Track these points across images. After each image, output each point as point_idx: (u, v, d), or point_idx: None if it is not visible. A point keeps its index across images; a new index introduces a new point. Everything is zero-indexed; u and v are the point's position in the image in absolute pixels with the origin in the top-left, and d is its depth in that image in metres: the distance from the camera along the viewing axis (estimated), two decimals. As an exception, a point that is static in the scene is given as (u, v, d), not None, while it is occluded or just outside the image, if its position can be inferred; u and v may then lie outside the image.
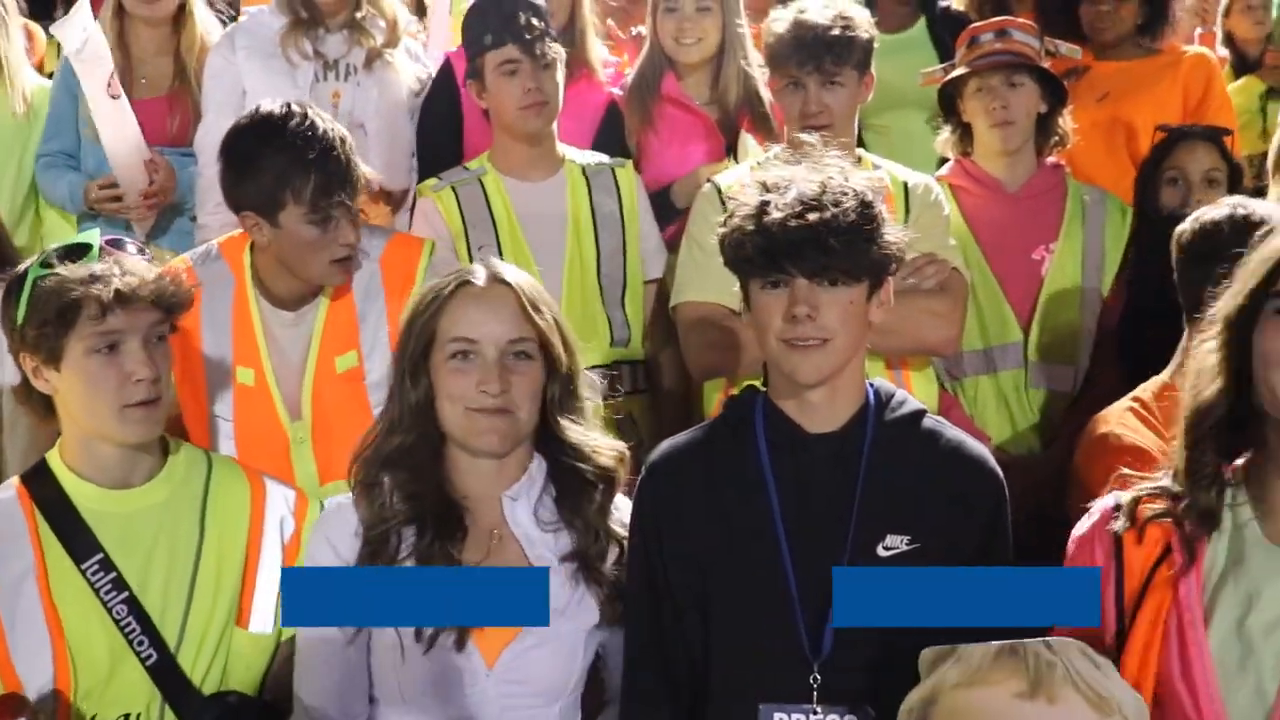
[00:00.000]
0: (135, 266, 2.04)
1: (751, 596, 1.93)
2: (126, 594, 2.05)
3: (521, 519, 2.05)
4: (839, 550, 1.90)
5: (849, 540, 1.90)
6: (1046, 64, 3.26)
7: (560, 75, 3.01)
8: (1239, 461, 1.69)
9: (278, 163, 2.50)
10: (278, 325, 2.67)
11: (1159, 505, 1.70)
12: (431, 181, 3.10)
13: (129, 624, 2.04)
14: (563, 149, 3.11)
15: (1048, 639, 1.48)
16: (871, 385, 2.00)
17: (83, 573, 2.04)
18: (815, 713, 1.89)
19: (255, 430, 2.68)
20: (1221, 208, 2.53)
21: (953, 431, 2.00)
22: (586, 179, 3.08)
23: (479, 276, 2.03)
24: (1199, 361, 1.70)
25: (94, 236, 2.08)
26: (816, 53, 2.83)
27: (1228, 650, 1.63)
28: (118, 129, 3.35)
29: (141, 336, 2.02)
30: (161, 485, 2.13)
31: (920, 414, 1.99)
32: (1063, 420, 3.04)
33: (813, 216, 1.84)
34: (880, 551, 1.90)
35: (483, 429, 1.98)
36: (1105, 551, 1.73)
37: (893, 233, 1.92)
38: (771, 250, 1.86)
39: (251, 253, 2.66)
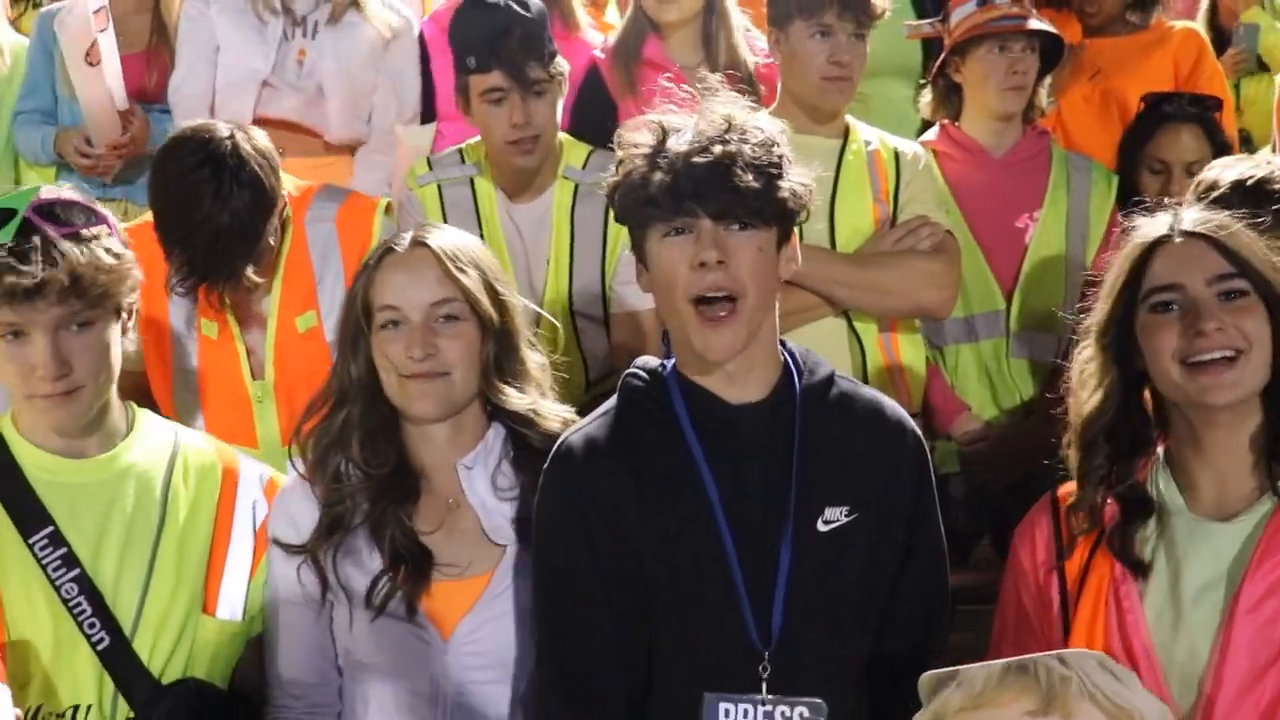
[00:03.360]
0: (57, 250, 1.82)
1: (692, 583, 1.80)
2: (77, 571, 1.88)
3: (479, 488, 2.02)
4: (780, 528, 1.79)
5: (790, 516, 1.79)
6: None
7: (558, 96, 2.82)
8: (1161, 446, 1.79)
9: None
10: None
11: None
12: (419, 170, 2.96)
13: (79, 605, 1.88)
14: (569, 161, 2.91)
15: (1061, 653, 1.42)
16: (786, 348, 1.87)
17: (29, 547, 1.88)
18: (764, 703, 1.77)
19: (219, 386, 2.67)
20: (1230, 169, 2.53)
21: (868, 391, 1.92)
22: (575, 194, 2.89)
23: (402, 243, 2.01)
24: (1078, 372, 1.78)
25: (22, 201, 1.88)
26: (854, 3, 2.77)
27: (1162, 617, 1.73)
28: (95, 88, 3.34)
29: (50, 329, 1.84)
30: (120, 456, 1.99)
31: (831, 376, 1.88)
32: (1043, 390, 2.99)
33: (718, 149, 1.70)
34: (820, 526, 1.81)
35: (415, 395, 1.95)
36: (1046, 537, 1.83)
37: (800, 178, 1.79)
38: (674, 188, 1.71)
39: None
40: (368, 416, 1.99)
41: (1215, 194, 2.47)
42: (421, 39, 3.51)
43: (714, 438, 1.81)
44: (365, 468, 1.97)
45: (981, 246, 3.05)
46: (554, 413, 2.04)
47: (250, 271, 2.52)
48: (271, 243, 2.59)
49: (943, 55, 3.16)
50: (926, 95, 3.23)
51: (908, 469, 1.88)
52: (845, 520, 1.82)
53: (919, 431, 1.94)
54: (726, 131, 1.74)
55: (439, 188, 2.89)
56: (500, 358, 2.00)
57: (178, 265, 2.49)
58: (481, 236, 2.77)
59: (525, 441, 2.02)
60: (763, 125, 1.79)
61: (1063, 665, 1.38)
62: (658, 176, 1.73)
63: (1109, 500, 1.79)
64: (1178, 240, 1.73)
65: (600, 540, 1.82)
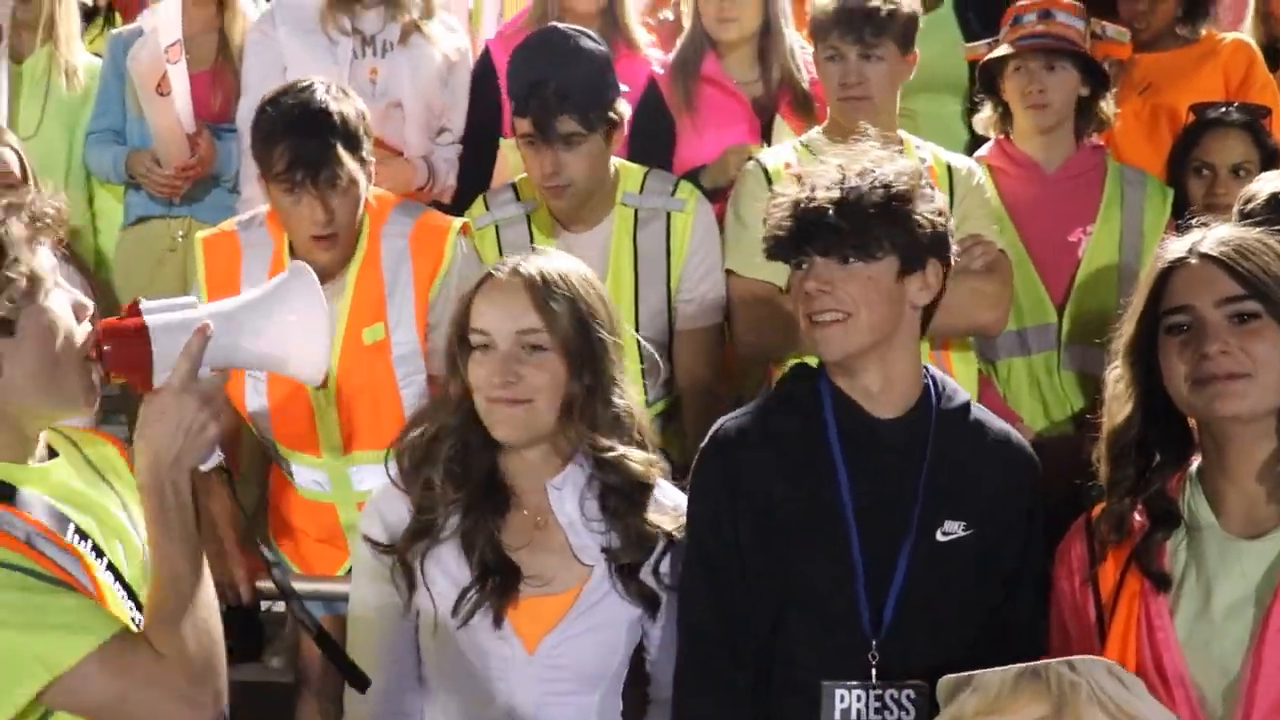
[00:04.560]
0: None
1: (819, 572, 1.98)
2: (106, 559, 1.79)
3: (567, 508, 2.05)
4: (903, 532, 1.97)
5: (913, 523, 1.96)
6: (1090, 46, 3.24)
7: (601, 147, 2.77)
8: (1194, 465, 1.82)
9: (261, 132, 2.60)
10: None
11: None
12: (477, 212, 2.96)
13: (120, 590, 1.79)
14: (626, 187, 2.90)
15: (1071, 659, 1.47)
16: (929, 374, 2.05)
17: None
18: (874, 688, 1.94)
19: (285, 392, 2.73)
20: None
21: (998, 423, 2.09)
22: (636, 221, 2.89)
23: (504, 269, 2.04)
24: (1110, 388, 1.86)
25: None
26: (857, 24, 2.84)
27: (1194, 635, 1.75)
28: (166, 116, 3.45)
29: None
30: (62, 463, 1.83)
31: (968, 404, 2.07)
32: (1095, 403, 3.02)
33: (822, 196, 1.93)
34: (939, 536, 1.97)
35: (497, 419, 1.99)
36: (1080, 557, 1.89)
37: (926, 217, 1.95)
38: (791, 232, 1.96)
39: None
40: (463, 433, 2.03)
41: (1251, 206, 2.49)
42: (489, 56, 3.57)
43: (854, 444, 1.99)
44: (457, 481, 2.02)
45: (1034, 260, 3.09)
46: (641, 459, 2.06)
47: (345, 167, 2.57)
48: (358, 186, 2.62)
49: (978, 73, 3.24)
50: (986, 110, 3.27)
51: (1025, 498, 2.05)
52: (962, 534, 1.98)
53: (1040, 466, 2.08)
54: (841, 179, 1.95)
55: (496, 230, 2.91)
56: (585, 397, 2.01)
57: (276, 162, 2.55)
58: None
59: (609, 484, 2.04)
60: (883, 170, 1.96)
61: (1073, 671, 1.44)
62: (782, 225, 1.98)
63: (1137, 511, 1.82)
64: (1194, 262, 1.75)
65: (744, 525, 2.00)
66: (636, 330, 2.78)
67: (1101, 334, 2.98)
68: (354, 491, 2.78)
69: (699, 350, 2.90)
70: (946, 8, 4.07)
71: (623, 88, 2.87)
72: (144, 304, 1.67)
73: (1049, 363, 3.10)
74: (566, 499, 2.05)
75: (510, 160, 3.31)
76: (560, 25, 2.80)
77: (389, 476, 2.09)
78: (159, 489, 1.64)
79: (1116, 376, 1.85)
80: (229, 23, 3.73)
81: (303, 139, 2.54)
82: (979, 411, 2.09)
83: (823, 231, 1.93)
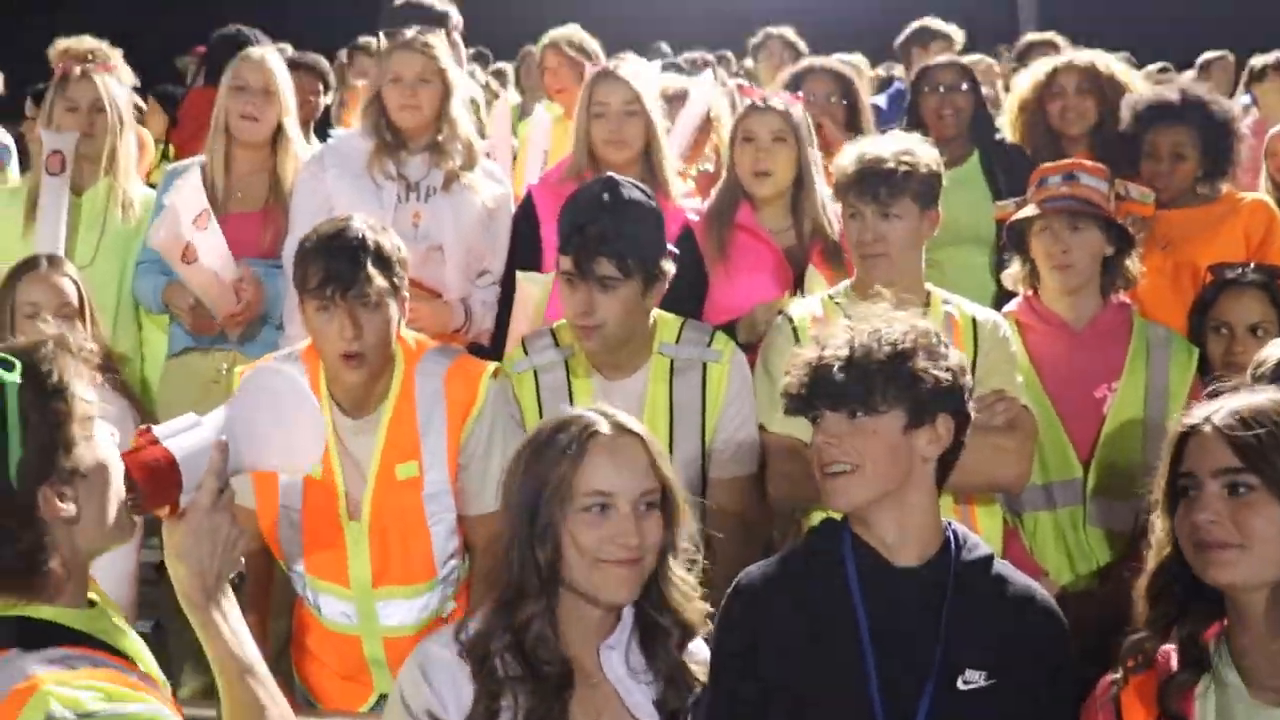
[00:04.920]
0: None
1: (837, 718, 2.00)
2: None
3: (617, 667, 2.05)
4: (923, 681, 1.99)
5: (934, 671, 1.99)
6: (1115, 207, 3.31)
7: (638, 294, 2.79)
8: (1221, 626, 1.85)
9: (299, 257, 2.71)
10: (343, 430, 2.78)
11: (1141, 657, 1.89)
12: (516, 356, 2.99)
13: None
14: (663, 338, 2.92)
15: None
16: (950, 526, 2.11)
17: None
18: None
19: (318, 523, 2.78)
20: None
21: (1022, 578, 2.12)
22: (672, 370, 2.91)
23: (604, 426, 2.02)
24: (1153, 533, 1.90)
25: None
26: (873, 183, 2.93)
27: None
28: (201, 277, 3.57)
29: None
30: None
31: (991, 558, 2.10)
32: (1121, 559, 3.03)
33: (830, 355, 2.05)
34: (960, 684, 1.99)
35: (614, 581, 1.97)
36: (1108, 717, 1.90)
37: (933, 372, 2.03)
38: (803, 390, 2.08)
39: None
40: (549, 612, 1.99)
41: (1261, 371, 2.50)
42: (531, 200, 3.70)
43: (874, 592, 2.04)
44: (535, 665, 1.97)
45: (1061, 415, 3.11)
46: (699, 606, 2.08)
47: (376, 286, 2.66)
48: (387, 307, 2.70)
49: (1006, 231, 3.31)
50: (1014, 267, 3.33)
51: (1050, 653, 2.07)
52: (984, 684, 2.00)
53: (1065, 623, 2.10)
54: (850, 340, 2.06)
55: (535, 375, 2.93)
56: (674, 546, 2.06)
57: (311, 279, 2.65)
58: None
59: (660, 625, 2.05)
60: (890, 331, 2.06)
61: None
62: (795, 381, 2.10)
63: (1166, 650, 1.85)
64: (1206, 430, 1.81)
65: (765, 672, 2.04)
66: None
67: (1126, 490, 3.04)
68: (380, 625, 2.82)
69: (733, 499, 2.90)
70: (973, 163, 4.22)
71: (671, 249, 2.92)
72: (157, 432, 1.73)
73: (1074, 517, 3.11)
74: (615, 658, 2.05)
75: (527, 291, 3.42)
76: (618, 176, 2.89)
77: (453, 647, 2.02)
78: (206, 607, 1.73)
79: (1157, 527, 1.90)
80: (281, 164, 3.87)
81: (336, 256, 2.65)
82: (1002, 566, 2.12)
83: (830, 388, 2.04)
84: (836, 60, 4.88)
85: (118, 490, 1.68)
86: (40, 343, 1.64)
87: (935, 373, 2.03)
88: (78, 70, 3.99)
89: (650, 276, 2.80)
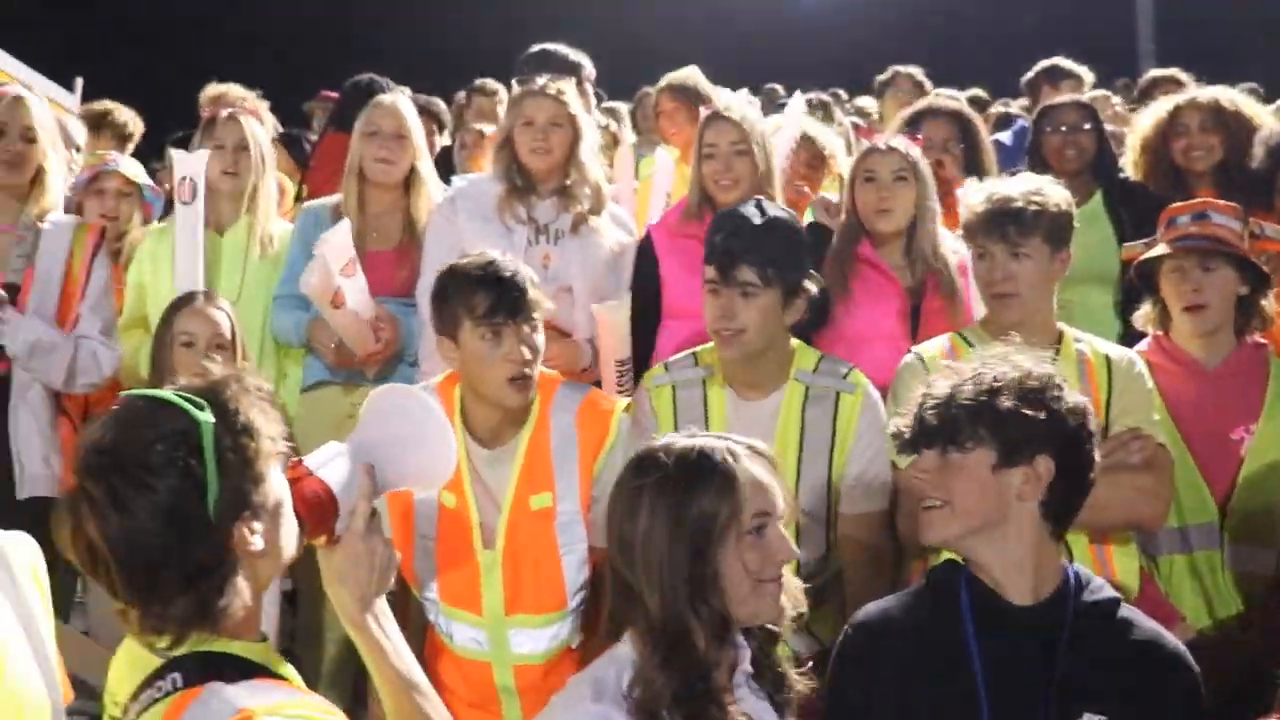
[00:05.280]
0: None
1: None
2: None
3: (749, 695, 2.02)
4: (1040, 718, 1.99)
5: (1049, 710, 1.98)
6: (1249, 245, 3.26)
7: (772, 302, 2.86)
8: None
9: (454, 286, 2.80)
10: (478, 461, 2.86)
11: None
12: (657, 372, 3.09)
13: None
14: (800, 365, 2.97)
15: None
16: (1070, 568, 2.11)
17: None
18: None
19: (453, 552, 2.85)
20: None
21: (1149, 623, 2.10)
22: (806, 395, 2.95)
23: (738, 448, 1.98)
24: None
25: None
26: (1002, 222, 2.94)
27: None
28: (344, 319, 3.69)
29: None
30: None
31: (1116, 601, 2.09)
32: (1262, 604, 2.98)
33: (929, 395, 2.13)
34: None
35: (770, 600, 1.95)
36: None
37: (1029, 413, 2.05)
38: (904, 430, 2.16)
39: (461, 390, 2.88)
40: (719, 665, 1.94)
41: None
42: (650, 240, 3.78)
43: (988, 629, 2.06)
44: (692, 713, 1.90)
45: (1195, 457, 3.08)
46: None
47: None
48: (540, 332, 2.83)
49: (1131, 273, 3.29)
50: (1145, 308, 3.30)
51: (1176, 700, 2.05)
52: None
53: (1196, 668, 2.07)
54: (954, 382, 2.12)
55: (673, 389, 3.01)
56: None
57: (480, 305, 2.76)
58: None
59: (768, 654, 2.04)
60: (993, 371, 2.11)
61: None
62: (903, 420, 2.18)
63: None
64: None
65: (879, 704, 2.07)
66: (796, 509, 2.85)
67: (1267, 533, 2.99)
68: (511, 653, 2.87)
69: (861, 532, 2.93)
70: (1096, 202, 4.18)
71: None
72: (308, 463, 1.79)
73: (1211, 561, 3.06)
74: (742, 681, 2.05)
75: (610, 320, 3.56)
76: (764, 200, 3.01)
77: (616, 706, 1.90)
78: (370, 628, 1.79)
79: None
80: (415, 205, 3.98)
81: (502, 283, 2.77)
82: (1128, 611, 2.11)
83: (923, 425, 2.11)
84: (951, 99, 4.89)
85: (291, 523, 1.74)
86: (223, 382, 1.67)
87: (1027, 412, 2.05)
88: (224, 113, 4.14)
89: (789, 290, 2.89)
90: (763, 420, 2.91)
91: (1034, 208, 2.94)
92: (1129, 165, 4.39)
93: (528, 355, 2.77)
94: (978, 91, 6.81)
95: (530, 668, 2.87)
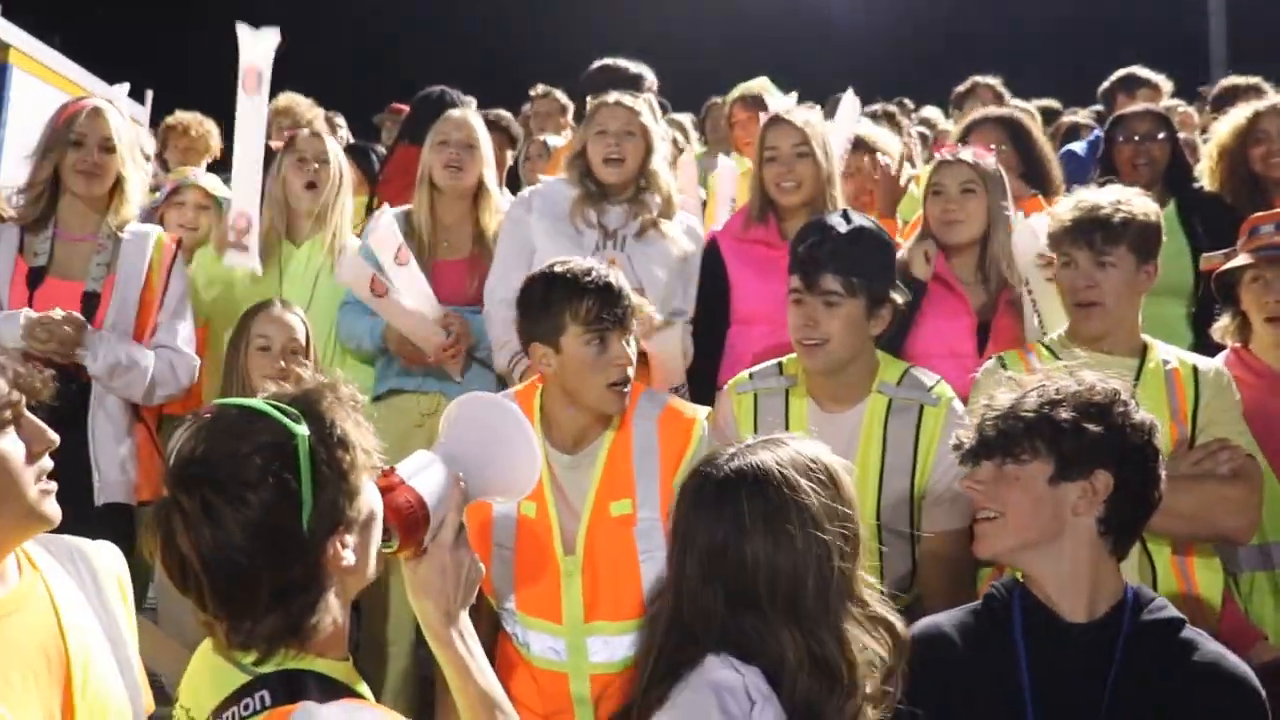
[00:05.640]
0: None
1: None
2: None
3: None
4: None
5: None
6: None
7: (855, 312, 2.86)
8: None
9: (559, 292, 2.78)
10: (559, 467, 2.87)
11: None
12: (742, 379, 3.10)
13: None
14: (885, 377, 2.96)
15: None
16: (1131, 587, 2.08)
17: None
18: None
19: (532, 560, 2.86)
20: None
21: (1212, 644, 2.05)
22: (889, 408, 2.93)
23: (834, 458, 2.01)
24: None
25: None
26: (1089, 230, 2.92)
27: None
28: (400, 316, 3.75)
29: None
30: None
31: (1179, 622, 2.05)
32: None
33: (991, 407, 2.12)
34: None
35: None
36: None
37: (1086, 428, 2.03)
38: (965, 442, 2.15)
39: (541, 398, 2.89)
40: None
41: None
42: (716, 246, 3.80)
43: (1039, 644, 2.05)
44: None
45: (1276, 471, 3.02)
46: None
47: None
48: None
49: (1212, 283, 3.23)
50: (1224, 320, 3.26)
51: None
52: None
53: (1263, 694, 2.01)
54: (1018, 396, 2.11)
55: (755, 397, 3.01)
56: None
57: (586, 309, 2.75)
58: None
59: None
60: (1059, 384, 2.10)
61: None
62: (967, 434, 2.17)
63: None
64: None
65: (930, 717, 2.04)
66: (878, 518, 2.86)
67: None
68: (588, 662, 2.86)
69: (943, 547, 2.89)
70: (1169, 213, 4.11)
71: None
72: (400, 472, 1.74)
73: (1294, 578, 3.00)
74: None
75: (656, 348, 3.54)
76: (851, 211, 3.01)
77: None
78: (453, 642, 1.76)
79: None
80: (482, 216, 4.04)
81: (606, 289, 2.76)
82: (1192, 633, 2.06)
83: (984, 438, 2.11)
84: (1002, 108, 4.85)
85: (379, 537, 1.71)
86: (317, 392, 1.64)
87: (1086, 426, 2.03)
88: (306, 132, 4.25)
89: (874, 300, 2.88)
90: (845, 433, 2.89)
91: (1121, 217, 2.91)
92: (1204, 173, 4.33)
93: (626, 359, 2.79)
94: (1049, 102, 6.73)
95: (606, 677, 2.85)
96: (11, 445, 1.72)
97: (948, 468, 2.88)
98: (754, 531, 1.86)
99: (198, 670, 1.69)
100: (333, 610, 1.61)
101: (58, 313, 3.31)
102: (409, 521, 1.72)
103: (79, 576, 1.87)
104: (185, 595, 1.60)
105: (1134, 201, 2.95)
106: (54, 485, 1.79)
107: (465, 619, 1.79)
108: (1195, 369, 2.92)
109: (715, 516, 1.89)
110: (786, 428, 2.91)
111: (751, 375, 3.09)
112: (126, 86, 4.62)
